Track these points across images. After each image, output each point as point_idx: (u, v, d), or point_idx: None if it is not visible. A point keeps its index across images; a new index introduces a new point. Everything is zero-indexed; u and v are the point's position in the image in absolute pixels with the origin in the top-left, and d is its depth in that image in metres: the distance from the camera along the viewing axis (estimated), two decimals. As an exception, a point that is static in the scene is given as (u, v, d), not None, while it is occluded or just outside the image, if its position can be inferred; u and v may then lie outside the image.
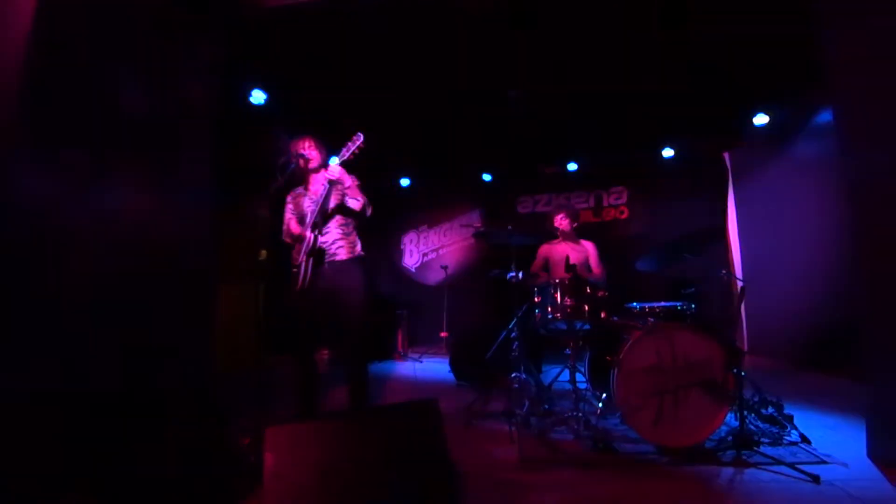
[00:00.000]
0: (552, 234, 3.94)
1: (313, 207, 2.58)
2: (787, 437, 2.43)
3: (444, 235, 7.18)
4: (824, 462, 2.16)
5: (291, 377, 2.62)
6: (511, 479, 2.10)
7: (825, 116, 4.16)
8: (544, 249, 3.95)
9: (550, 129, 5.42)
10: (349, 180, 2.57)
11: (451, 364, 4.25)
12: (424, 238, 7.29)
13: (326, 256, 2.58)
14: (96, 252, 2.17)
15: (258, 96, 4.25)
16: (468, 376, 4.07)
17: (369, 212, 2.61)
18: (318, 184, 2.70)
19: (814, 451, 2.28)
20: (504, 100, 4.53)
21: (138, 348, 2.31)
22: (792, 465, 2.07)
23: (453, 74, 4.10)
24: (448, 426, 1.61)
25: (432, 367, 5.10)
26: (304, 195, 2.70)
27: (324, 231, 2.60)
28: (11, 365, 1.74)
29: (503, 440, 2.56)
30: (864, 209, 2.27)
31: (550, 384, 3.31)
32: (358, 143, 2.50)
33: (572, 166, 6.37)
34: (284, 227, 2.72)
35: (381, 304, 5.94)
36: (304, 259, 2.52)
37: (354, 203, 2.56)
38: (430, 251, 7.22)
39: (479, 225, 6.64)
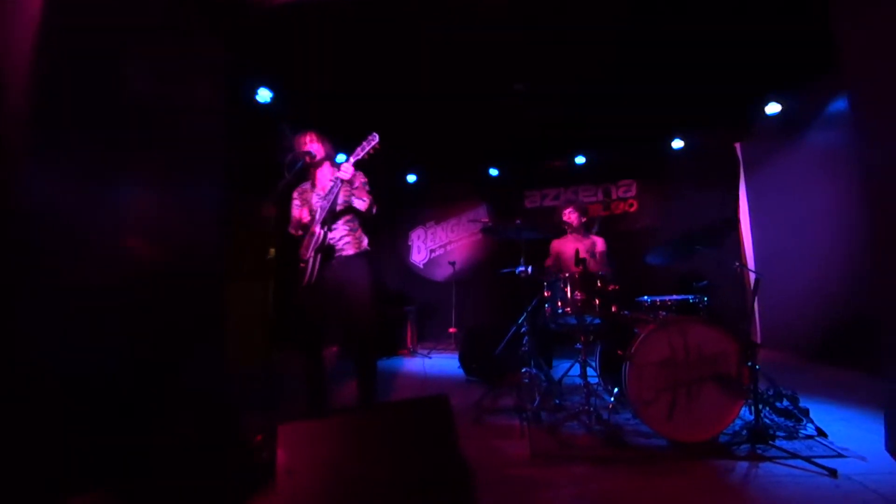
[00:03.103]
0: (561, 229, 3.91)
1: (323, 203, 2.59)
2: (803, 431, 2.40)
3: (452, 231, 7.16)
4: (841, 456, 2.13)
5: (300, 373, 2.64)
6: (522, 474, 2.09)
7: (840, 104, 4.07)
8: (555, 245, 3.93)
9: (557, 122, 5.36)
10: (358, 180, 2.59)
11: (461, 360, 4.25)
12: (432, 234, 7.28)
13: (334, 252, 2.60)
14: (106, 250, 2.19)
15: (264, 94, 4.25)
16: (478, 372, 4.06)
17: (374, 210, 2.64)
18: (324, 178, 2.71)
19: (831, 445, 2.24)
20: (510, 93, 4.49)
21: (149, 346, 2.33)
22: (808, 459, 2.04)
23: (459, 69, 4.07)
24: (458, 422, 1.60)
25: (441, 363, 5.10)
26: (312, 191, 2.71)
27: (332, 227, 2.62)
28: (19, 363, 1.76)
29: (514, 436, 2.55)
30: (881, 198, 2.21)
31: (561, 379, 3.30)
32: (373, 143, 2.52)
33: (580, 159, 6.31)
34: (293, 220, 2.72)
35: (390, 299, 5.95)
36: (312, 255, 2.54)
37: (360, 203, 2.60)
38: (438, 247, 7.20)
39: (486, 220, 6.61)
